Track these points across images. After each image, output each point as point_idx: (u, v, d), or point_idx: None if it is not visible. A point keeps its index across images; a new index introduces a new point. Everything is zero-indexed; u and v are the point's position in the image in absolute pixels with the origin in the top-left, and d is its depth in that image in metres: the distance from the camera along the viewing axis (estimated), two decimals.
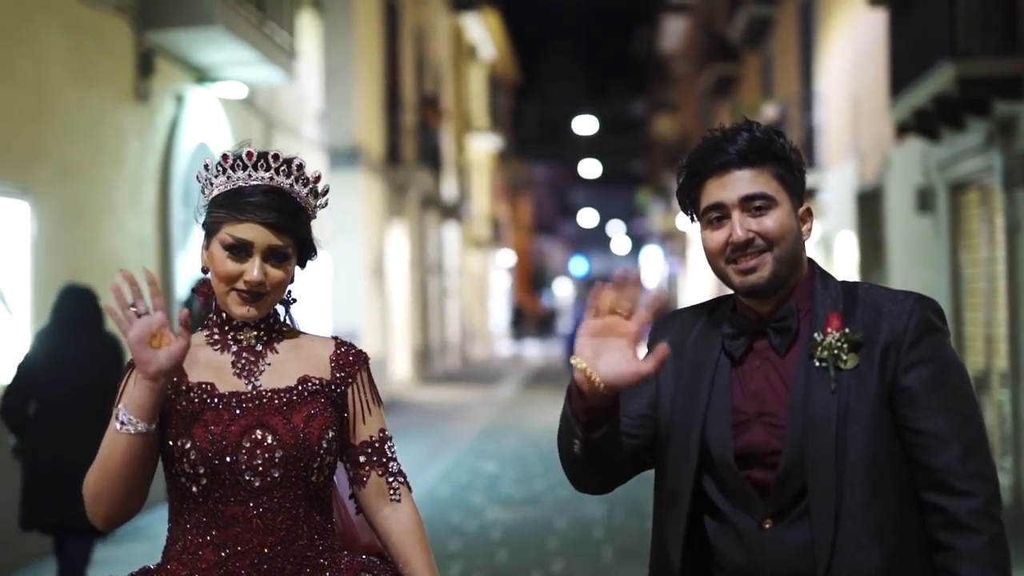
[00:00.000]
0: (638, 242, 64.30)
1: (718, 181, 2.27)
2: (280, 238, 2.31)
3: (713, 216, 2.28)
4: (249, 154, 2.33)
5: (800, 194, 2.31)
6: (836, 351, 2.21)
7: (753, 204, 2.25)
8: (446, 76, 29.37)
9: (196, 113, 10.88)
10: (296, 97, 14.50)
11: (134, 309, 2.18)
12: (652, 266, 50.99)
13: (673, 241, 41.75)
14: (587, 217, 68.95)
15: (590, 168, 55.12)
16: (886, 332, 2.22)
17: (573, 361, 2.17)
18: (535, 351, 40.35)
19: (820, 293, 2.29)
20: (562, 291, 61.90)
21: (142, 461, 2.24)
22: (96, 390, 5.68)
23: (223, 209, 2.31)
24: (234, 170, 2.33)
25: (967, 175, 10.79)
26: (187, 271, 11.42)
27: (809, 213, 2.33)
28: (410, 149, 22.38)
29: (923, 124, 11.05)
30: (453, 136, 29.93)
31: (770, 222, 2.24)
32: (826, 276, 2.33)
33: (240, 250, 2.29)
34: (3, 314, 7.52)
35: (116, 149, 9.36)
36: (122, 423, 2.19)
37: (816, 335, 2.23)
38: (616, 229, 70.13)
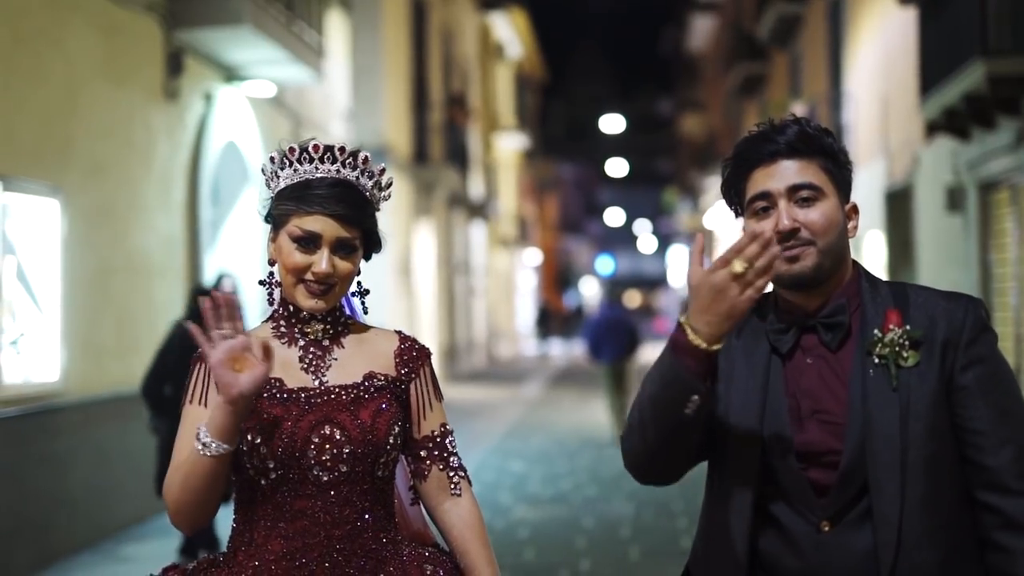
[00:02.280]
0: (664, 241, 64.17)
1: (766, 171, 2.25)
2: (348, 230, 2.33)
3: (759, 206, 2.25)
4: (316, 147, 2.35)
5: (847, 190, 2.29)
6: (897, 348, 2.19)
7: (800, 194, 2.22)
8: (473, 75, 29.38)
9: (225, 112, 10.93)
10: (324, 96, 14.54)
11: (220, 332, 2.18)
12: (678, 266, 50.83)
13: None
14: (614, 216, 68.84)
15: (617, 167, 55.00)
16: (944, 330, 2.19)
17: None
18: (561, 350, 40.32)
19: (868, 291, 2.27)
20: (588, 290, 61.82)
21: (225, 476, 2.26)
22: None
23: (291, 201, 2.33)
24: (300, 163, 2.35)
25: (997, 174, 10.71)
26: (215, 269, 11.47)
27: (855, 210, 2.31)
28: (437, 148, 22.40)
29: (953, 123, 10.99)
30: (480, 135, 29.94)
31: (816, 214, 2.22)
32: (872, 276, 2.31)
33: (309, 242, 2.31)
34: (33, 311, 7.57)
35: (145, 148, 9.40)
36: (204, 445, 2.19)
37: (876, 332, 2.20)
38: (643, 228, 70.01)
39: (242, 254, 11.77)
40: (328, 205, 2.30)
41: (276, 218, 2.37)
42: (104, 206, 8.66)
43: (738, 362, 2.30)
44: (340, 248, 2.32)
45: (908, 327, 2.20)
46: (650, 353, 21.28)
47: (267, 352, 2.18)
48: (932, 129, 11.74)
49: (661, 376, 2.19)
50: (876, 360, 2.19)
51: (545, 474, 11.75)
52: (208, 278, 10.44)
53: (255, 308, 11.69)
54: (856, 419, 2.18)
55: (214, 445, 2.18)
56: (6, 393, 7.23)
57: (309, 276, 2.32)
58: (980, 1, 9.58)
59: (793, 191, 2.23)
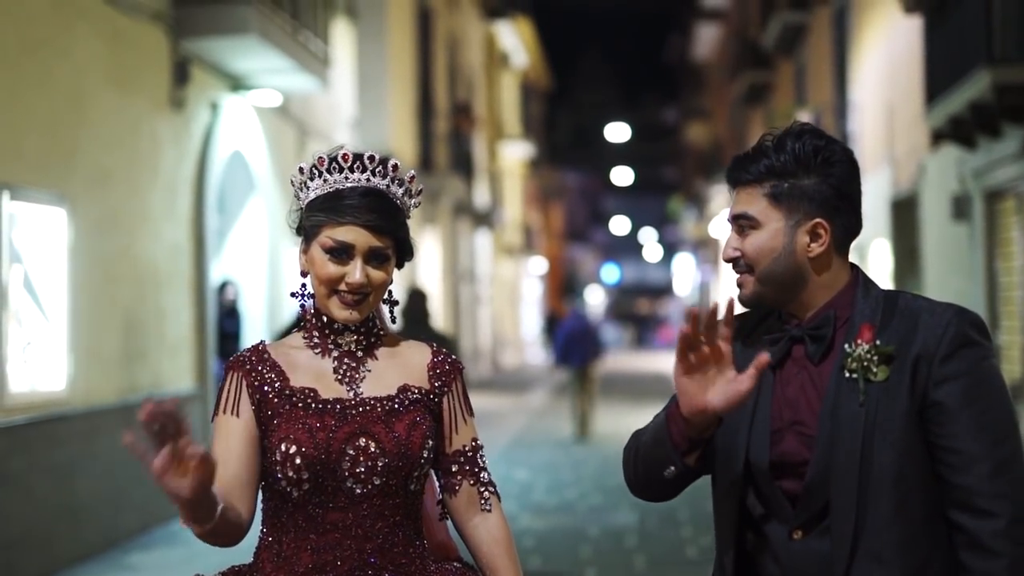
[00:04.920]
0: (670, 250, 64.17)
1: (732, 196, 2.35)
2: (380, 239, 2.31)
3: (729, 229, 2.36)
4: (345, 156, 2.33)
5: (814, 207, 2.24)
6: (866, 363, 2.18)
7: (739, 223, 2.29)
8: (478, 83, 29.40)
9: (231, 121, 10.94)
10: (329, 104, 14.56)
11: (162, 437, 1.98)
12: (684, 273, 50.82)
13: (705, 249, 41.63)
14: (619, 224, 68.85)
15: (622, 175, 55.02)
16: (919, 344, 2.17)
17: (686, 412, 2.20)
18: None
19: (860, 302, 2.26)
20: (594, 299, 61.80)
21: (250, 499, 2.27)
22: None
23: (322, 212, 2.31)
24: (330, 173, 2.33)
25: (1003, 183, 10.70)
26: (220, 277, 11.47)
27: (823, 228, 2.24)
28: (442, 156, 22.42)
29: (959, 131, 10.98)
30: (485, 143, 29.95)
31: (747, 244, 2.28)
32: (869, 285, 2.29)
33: (341, 252, 2.29)
34: (39, 320, 7.58)
35: (152, 157, 9.41)
36: (185, 526, 2.13)
37: (847, 346, 2.21)
38: (648, 236, 69.99)
39: (247, 263, 11.79)
40: (360, 214, 2.28)
41: (307, 230, 2.34)
42: (110, 215, 8.67)
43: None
44: (373, 257, 2.31)
45: (879, 342, 2.18)
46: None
47: (206, 463, 1.99)
48: (938, 137, 11.74)
49: (654, 431, 2.31)
50: (847, 374, 2.20)
51: (550, 483, 11.74)
52: (213, 285, 10.46)
53: (259, 317, 11.70)
54: (825, 431, 2.20)
55: (193, 527, 2.12)
56: (12, 402, 7.24)
57: (343, 287, 2.30)
58: (986, 9, 9.58)
59: (734, 220, 2.31)
